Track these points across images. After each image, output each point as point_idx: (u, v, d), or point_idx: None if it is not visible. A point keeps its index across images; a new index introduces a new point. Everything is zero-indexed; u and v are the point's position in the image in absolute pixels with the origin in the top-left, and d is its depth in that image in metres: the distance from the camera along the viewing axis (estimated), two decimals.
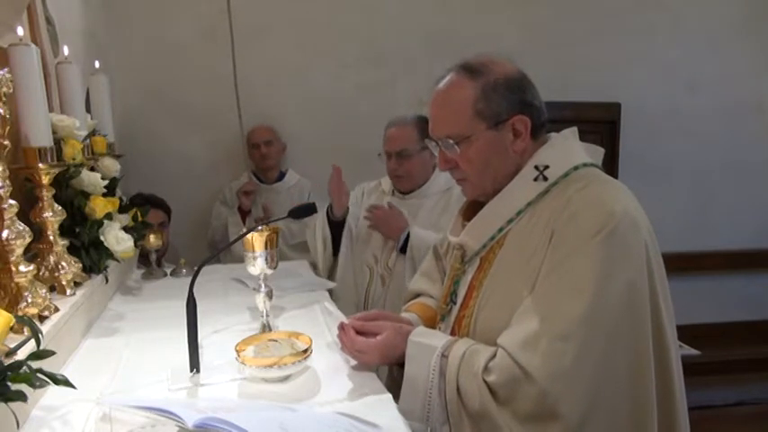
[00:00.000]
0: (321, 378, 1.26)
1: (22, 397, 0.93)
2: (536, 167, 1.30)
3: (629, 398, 1.17)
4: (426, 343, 1.27)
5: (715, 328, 4.04)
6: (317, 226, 2.60)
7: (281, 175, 3.50)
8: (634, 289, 1.17)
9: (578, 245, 1.17)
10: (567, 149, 1.34)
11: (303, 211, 1.55)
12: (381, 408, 1.12)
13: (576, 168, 1.30)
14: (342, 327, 1.35)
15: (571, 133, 1.38)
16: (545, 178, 1.29)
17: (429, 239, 2.28)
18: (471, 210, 1.42)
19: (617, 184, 1.30)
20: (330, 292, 2.05)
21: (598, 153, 1.40)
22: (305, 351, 1.26)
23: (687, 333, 3.91)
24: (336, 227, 2.55)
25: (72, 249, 1.58)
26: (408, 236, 2.37)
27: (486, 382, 1.17)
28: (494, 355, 1.19)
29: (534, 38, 3.55)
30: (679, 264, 3.92)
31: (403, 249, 2.39)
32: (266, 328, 1.49)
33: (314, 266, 2.49)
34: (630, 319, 1.17)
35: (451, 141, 1.30)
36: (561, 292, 1.16)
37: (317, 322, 1.66)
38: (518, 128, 1.29)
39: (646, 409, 1.18)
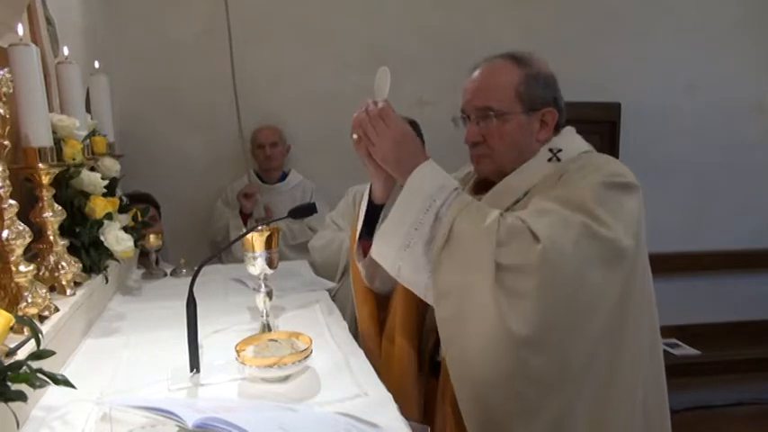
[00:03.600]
0: (321, 378, 1.26)
1: (22, 397, 0.93)
2: (550, 150, 1.41)
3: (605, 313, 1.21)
4: (443, 174, 1.31)
5: (715, 328, 4.04)
6: (344, 249, 2.54)
7: (284, 176, 3.50)
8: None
9: (587, 177, 1.27)
10: (576, 138, 1.45)
11: (303, 211, 1.55)
12: (381, 408, 1.12)
13: (585, 152, 1.42)
14: (373, 101, 1.35)
15: (572, 129, 1.48)
16: (558, 159, 1.39)
17: None
18: (476, 189, 1.49)
19: None
20: (329, 291, 2.05)
21: None
22: (305, 351, 1.26)
23: (687, 333, 3.94)
24: None
25: (72, 249, 1.58)
26: None
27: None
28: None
29: (534, 38, 3.55)
30: (679, 264, 3.93)
31: None
32: (266, 328, 1.49)
33: (314, 267, 2.49)
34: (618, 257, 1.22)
35: (491, 113, 1.36)
36: (565, 196, 1.24)
37: (317, 322, 1.66)
38: (546, 119, 1.40)
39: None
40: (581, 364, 1.19)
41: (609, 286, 1.21)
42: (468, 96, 1.43)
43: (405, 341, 1.47)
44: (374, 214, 1.47)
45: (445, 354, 1.26)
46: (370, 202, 1.48)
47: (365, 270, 1.52)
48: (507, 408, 1.18)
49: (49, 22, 2.04)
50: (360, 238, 1.50)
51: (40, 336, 1.06)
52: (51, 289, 1.44)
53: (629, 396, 1.26)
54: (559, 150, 1.40)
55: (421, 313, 1.48)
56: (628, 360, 1.25)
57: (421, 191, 1.27)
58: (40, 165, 1.39)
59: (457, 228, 1.22)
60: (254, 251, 1.43)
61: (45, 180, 1.43)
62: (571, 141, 1.44)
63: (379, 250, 1.34)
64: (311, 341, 1.30)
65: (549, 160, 1.39)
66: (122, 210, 1.95)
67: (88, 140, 1.90)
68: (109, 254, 1.75)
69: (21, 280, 1.24)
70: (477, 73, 1.43)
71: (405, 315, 1.48)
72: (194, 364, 1.26)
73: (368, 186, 1.53)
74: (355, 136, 1.36)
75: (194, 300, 1.26)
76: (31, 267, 1.27)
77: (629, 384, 1.26)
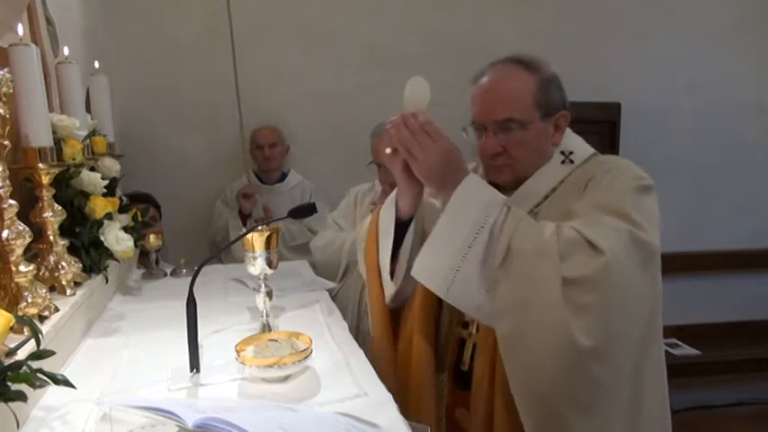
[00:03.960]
0: (321, 378, 1.26)
1: (22, 397, 0.93)
2: (562, 152, 1.43)
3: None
4: (489, 188, 1.30)
5: (715, 328, 4.04)
6: (345, 249, 2.54)
7: (283, 176, 3.50)
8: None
9: (616, 181, 1.29)
10: (580, 139, 1.47)
11: (303, 212, 1.55)
12: (381, 408, 1.12)
13: (594, 155, 1.44)
14: (412, 114, 1.29)
15: (569, 131, 1.49)
16: (571, 161, 1.42)
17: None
18: None
19: None
20: (330, 291, 2.05)
21: None
22: (305, 351, 1.26)
23: (687, 333, 3.94)
24: None
25: (72, 249, 1.58)
26: None
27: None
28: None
29: (534, 38, 3.55)
30: (679, 263, 3.92)
31: None
32: (266, 328, 1.49)
33: (314, 267, 2.49)
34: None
35: (513, 124, 1.35)
36: (603, 202, 1.25)
37: (317, 322, 1.66)
38: (560, 123, 1.41)
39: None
40: (631, 365, 1.22)
41: (648, 289, 1.24)
42: (484, 108, 1.39)
43: (423, 342, 1.45)
44: (399, 231, 1.44)
45: (507, 368, 1.22)
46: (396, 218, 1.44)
47: (396, 289, 1.47)
48: (569, 416, 1.18)
49: (49, 22, 2.04)
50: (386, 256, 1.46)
51: (40, 336, 1.06)
52: (51, 289, 1.44)
53: (658, 393, 1.30)
54: (571, 152, 1.42)
55: (437, 314, 1.48)
56: (654, 357, 1.28)
57: (470, 208, 1.24)
58: (40, 165, 1.39)
59: (516, 245, 1.19)
60: (253, 251, 1.43)
61: (45, 180, 1.43)
62: (578, 143, 1.45)
63: (423, 270, 1.29)
64: (311, 341, 1.30)
65: (563, 162, 1.41)
66: (122, 210, 1.95)
67: (88, 140, 1.90)
68: (109, 254, 1.75)
69: (21, 280, 1.24)
70: (487, 82, 1.40)
71: (423, 318, 1.46)
72: (194, 364, 1.26)
73: (385, 201, 1.49)
74: (389, 150, 1.32)
75: (194, 300, 1.26)
76: (31, 267, 1.27)
77: (657, 382, 1.28)
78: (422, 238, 1.38)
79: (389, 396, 1.17)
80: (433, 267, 1.27)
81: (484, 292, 1.22)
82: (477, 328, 1.41)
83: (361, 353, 1.41)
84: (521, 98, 1.36)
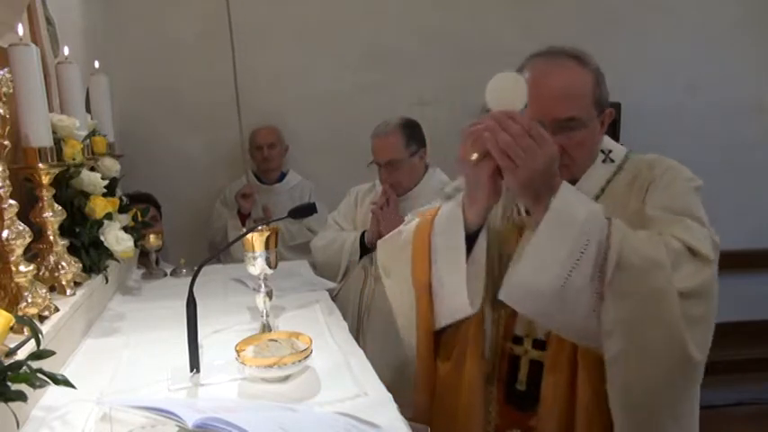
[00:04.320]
0: (321, 378, 1.26)
1: (22, 397, 0.93)
2: (602, 151, 1.38)
3: None
4: (583, 195, 1.21)
5: (715, 328, 4.03)
6: (345, 249, 2.54)
7: (282, 176, 3.50)
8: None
9: (678, 182, 1.29)
10: (608, 137, 1.42)
11: (303, 212, 1.55)
12: (381, 408, 1.12)
13: (629, 152, 1.40)
14: (509, 116, 1.12)
15: None
16: (612, 160, 1.37)
17: None
18: None
19: None
20: (330, 291, 2.05)
21: None
22: (305, 351, 1.26)
23: None
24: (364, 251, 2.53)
25: (72, 249, 1.58)
26: None
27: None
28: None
29: (534, 38, 3.52)
30: None
31: None
32: (266, 328, 1.49)
33: (314, 267, 2.49)
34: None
35: (574, 123, 1.27)
36: (676, 206, 1.24)
37: (317, 322, 1.66)
38: (605, 120, 1.35)
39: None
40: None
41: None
42: (542, 106, 1.24)
43: (477, 363, 1.34)
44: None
45: (612, 384, 1.16)
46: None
47: (472, 312, 1.30)
48: (668, 429, 1.19)
49: (49, 22, 2.04)
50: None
51: (40, 336, 1.06)
52: (51, 289, 1.44)
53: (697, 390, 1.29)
54: (610, 151, 1.37)
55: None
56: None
57: (573, 220, 1.13)
58: (40, 165, 1.39)
59: (626, 258, 1.10)
60: (253, 251, 1.43)
61: (45, 180, 1.43)
62: (610, 141, 1.40)
63: (517, 292, 1.18)
64: (311, 341, 1.30)
65: (604, 161, 1.36)
66: (122, 210, 1.95)
67: (88, 140, 1.90)
68: (109, 254, 1.75)
69: (21, 280, 1.24)
70: (543, 77, 1.27)
71: (478, 336, 1.34)
72: (194, 364, 1.26)
73: (436, 211, 1.35)
74: (475, 155, 1.15)
75: (194, 300, 1.26)
76: (31, 267, 1.27)
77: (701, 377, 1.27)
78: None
79: (389, 396, 1.17)
80: (531, 289, 1.15)
81: (590, 310, 1.13)
82: (541, 345, 1.31)
83: (361, 353, 1.41)
84: (582, 95, 1.28)
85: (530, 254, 1.15)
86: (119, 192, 2.09)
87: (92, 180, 1.72)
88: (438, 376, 1.40)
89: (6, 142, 1.22)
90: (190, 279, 1.28)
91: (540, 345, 1.33)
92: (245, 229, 1.52)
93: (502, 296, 1.21)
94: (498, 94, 1.15)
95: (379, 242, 1.62)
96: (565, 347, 1.23)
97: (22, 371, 0.95)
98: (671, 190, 1.27)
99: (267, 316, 1.49)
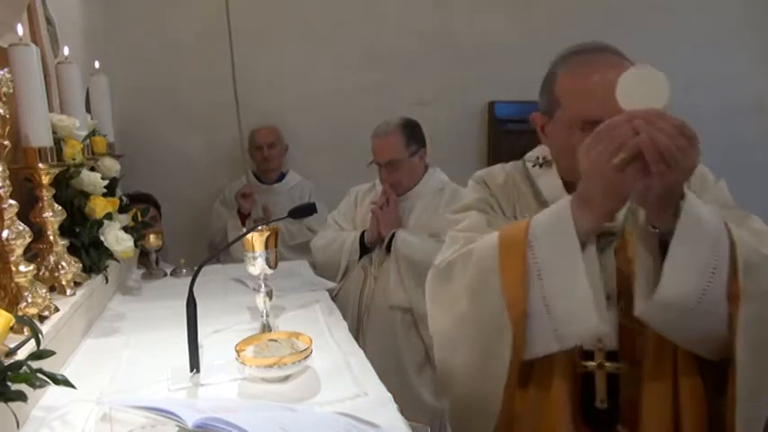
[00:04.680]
0: (321, 378, 1.26)
1: (22, 397, 0.93)
2: None
3: None
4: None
5: None
6: (345, 249, 2.54)
7: (282, 176, 3.50)
8: None
9: (710, 177, 1.32)
10: None
11: (303, 211, 1.55)
12: (381, 408, 1.12)
13: None
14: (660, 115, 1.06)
15: None
16: None
17: (416, 246, 2.28)
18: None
19: None
20: (329, 291, 2.05)
21: None
22: (305, 351, 1.26)
23: None
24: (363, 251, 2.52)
25: (72, 249, 1.58)
26: (394, 238, 2.37)
27: None
28: None
29: (534, 38, 3.55)
30: None
31: (389, 248, 2.40)
32: (266, 328, 1.49)
33: (314, 267, 2.49)
34: None
35: None
36: (726, 202, 1.26)
37: (316, 322, 1.66)
38: None
39: None
40: None
41: None
42: (607, 103, 1.13)
43: (563, 384, 1.22)
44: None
45: (737, 396, 1.08)
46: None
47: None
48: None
49: (49, 22, 2.04)
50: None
51: (40, 336, 1.06)
52: (51, 289, 1.44)
53: None
54: None
55: None
56: None
57: (704, 225, 1.04)
58: (40, 165, 1.39)
59: (748, 259, 1.04)
60: (253, 251, 1.43)
61: (45, 180, 1.43)
62: None
63: (659, 308, 1.06)
64: (311, 341, 1.30)
65: None
66: (122, 210, 1.95)
67: (88, 140, 1.91)
68: (109, 254, 1.75)
69: (21, 280, 1.24)
70: (605, 74, 1.23)
71: (565, 357, 1.22)
72: (194, 364, 1.26)
73: (547, 220, 1.15)
74: (617, 159, 1.01)
75: (194, 300, 1.26)
76: (31, 267, 1.27)
77: None
78: None
79: (389, 396, 1.17)
80: (675, 303, 1.05)
81: (726, 316, 1.05)
82: (614, 357, 1.22)
83: (361, 353, 1.41)
84: None
85: (670, 265, 1.04)
86: (119, 192, 2.09)
87: (92, 180, 1.72)
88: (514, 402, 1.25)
89: (6, 142, 1.22)
90: (190, 279, 1.28)
91: (613, 356, 1.23)
92: (245, 229, 1.52)
93: (639, 313, 1.08)
94: (638, 91, 1.08)
95: (431, 270, 1.33)
96: (664, 357, 1.16)
97: (22, 371, 0.95)
98: (715, 189, 1.28)
99: (267, 316, 1.49)
